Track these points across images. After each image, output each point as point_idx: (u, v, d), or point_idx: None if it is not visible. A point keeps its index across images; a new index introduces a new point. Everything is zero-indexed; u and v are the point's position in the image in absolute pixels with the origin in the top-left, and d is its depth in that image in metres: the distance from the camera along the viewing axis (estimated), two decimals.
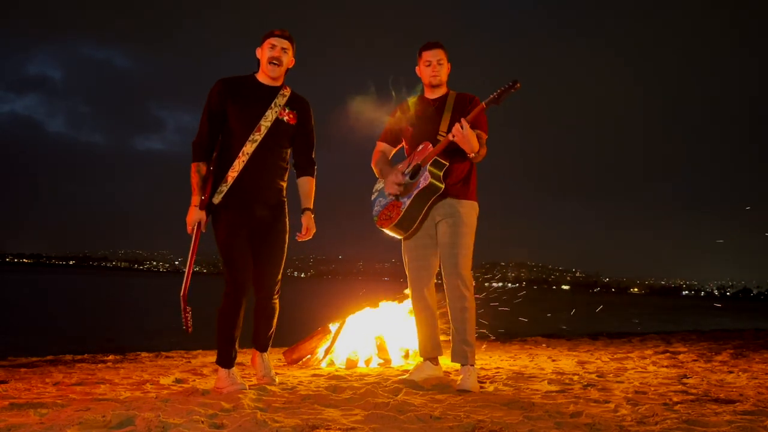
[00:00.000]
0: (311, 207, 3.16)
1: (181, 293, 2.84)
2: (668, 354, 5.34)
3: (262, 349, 3.23)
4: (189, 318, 2.85)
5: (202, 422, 2.12)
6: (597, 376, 3.67)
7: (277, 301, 3.15)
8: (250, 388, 2.97)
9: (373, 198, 3.43)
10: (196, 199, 2.89)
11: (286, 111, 3.00)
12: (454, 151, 3.16)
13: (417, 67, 3.35)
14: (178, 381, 3.49)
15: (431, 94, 3.34)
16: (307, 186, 3.17)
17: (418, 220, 3.22)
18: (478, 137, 3.11)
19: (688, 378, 3.58)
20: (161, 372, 3.99)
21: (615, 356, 5.13)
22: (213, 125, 2.95)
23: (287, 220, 3.11)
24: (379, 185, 3.42)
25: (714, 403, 2.66)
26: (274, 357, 5.09)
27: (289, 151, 3.09)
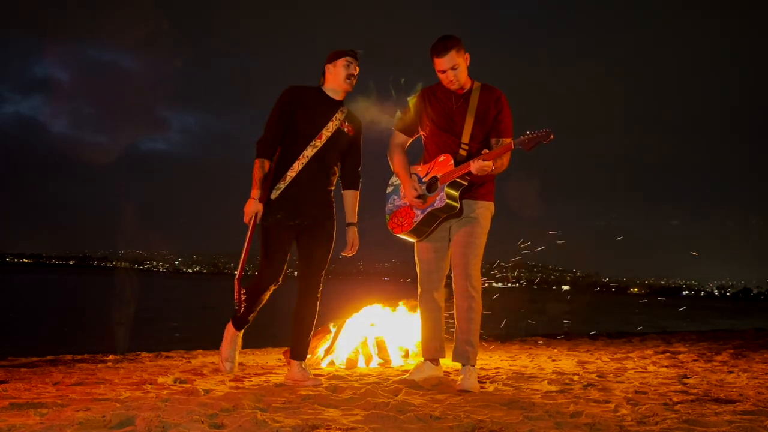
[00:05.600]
0: (356, 221, 3.38)
1: (237, 277, 3.12)
2: (668, 354, 5.34)
3: (298, 356, 3.25)
4: (243, 299, 3.14)
5: (202, 422, 2.12)
6: (597, 376, 3.67)
7: (318, 299, 3.28)
8: (249, 388, 2.97)
9: (388, 192, 3.41)
10: (256, 193, 3.10)
11: (346, 123, 3.25)
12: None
13: (433, 65, 3.19)
14: (178, 381, 3.48)
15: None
16: (352, 199, 3.39)
17: (428, 232, 3.23)
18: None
19: (688, 378, 3.58)
20: (161, 372, 3.99)
21: (615, 356, 5.13)
22: (280, 127, 3.18)
23: (335, 221, 3.31)
24: (395, 180, 3.38)
25: (714, 403, 2.66)
26: (274, 357, 5.09)
27: (339, 161, 3.32)
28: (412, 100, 3.33)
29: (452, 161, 3.13)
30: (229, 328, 3.28)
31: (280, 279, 3.23)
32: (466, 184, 3.12)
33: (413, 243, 3.36)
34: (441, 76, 3.15)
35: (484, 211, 3.21)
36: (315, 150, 3.15)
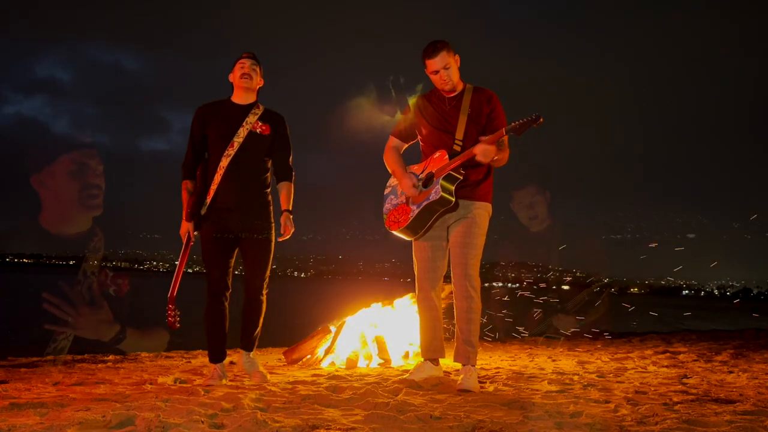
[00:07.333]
0: (290, 208, 3.39)
1: (169, 295, 3.18)
2: (668, 354, 5.33)
3: (246, 347, 3.38)
4: (175, 316, 3.20)
5: (202, 422, 2.12)
6: (597, 376, 3.67)
7: (263, 299, 3.34)
8: (249, 388, 2.97)
9: (386, 193, 3.44)
10: (185, 213, 3.27)
11: (259, 124, 3.28)
12: (471, 160, 3.14)
13: (426, 69, 3.25)
14: (178, 381, 3.49)
15: (446, 92, 3.27)
16: (285, 190, 3.41)
17: (425, 228, 3.24)
18: (500, 143, 3.12)
19: (688, 378, 3.58)
20: (161, 372, 3.99)
21: (615, 356, 5.12)
22: (196, 147, 3.31)
23: (272, 222, 3.35)
24: (393, 181, 3.42)
25: (714, 403, 2.66)
26: (274, 357, 5.09)
27: (267, 160, 3.36)
28: (412, 101, 3.37)
29: (447, 156, 3.18)
30: (209, 366, 3.39)
31: (226, 289, 3.30)
32: (461, 177, 3.16)
33: (412, 243, 3.37)
34: (434, 77, 3.21)
35: (482, 211, 3.25)
36: (229, 159, 3.20)
